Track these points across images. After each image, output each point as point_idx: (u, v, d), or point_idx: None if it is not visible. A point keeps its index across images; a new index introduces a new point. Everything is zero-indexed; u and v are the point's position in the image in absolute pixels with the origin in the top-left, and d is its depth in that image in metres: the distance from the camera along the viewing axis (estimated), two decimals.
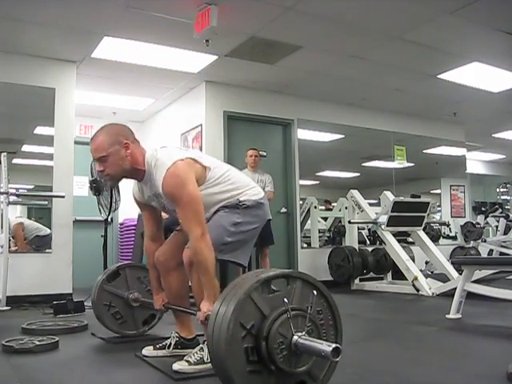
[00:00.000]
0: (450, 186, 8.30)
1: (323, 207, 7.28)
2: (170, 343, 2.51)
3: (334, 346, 1.45)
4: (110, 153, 2.16)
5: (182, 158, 2.17)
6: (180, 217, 2.15)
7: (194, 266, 2.12)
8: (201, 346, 2.29)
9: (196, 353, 2.24)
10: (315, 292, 1.62)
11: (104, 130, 2.22)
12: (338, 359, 1.45)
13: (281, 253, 5.05)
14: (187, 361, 2.20)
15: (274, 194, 5.34)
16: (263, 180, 5.30)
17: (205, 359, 2.18)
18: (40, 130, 5.45)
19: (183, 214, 2.12)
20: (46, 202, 5.04)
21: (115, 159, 2.17)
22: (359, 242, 6.26)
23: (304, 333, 1.54)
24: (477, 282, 3.82)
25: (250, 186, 2.38)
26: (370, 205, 6.06)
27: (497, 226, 7.87)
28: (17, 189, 5.04)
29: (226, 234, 2.23)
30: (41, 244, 5.22)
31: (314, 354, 1.53)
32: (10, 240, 4.66)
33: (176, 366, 2.17)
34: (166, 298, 2.53)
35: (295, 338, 1.53)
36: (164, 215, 5.08)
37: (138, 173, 2.25)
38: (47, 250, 5.03)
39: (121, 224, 7.18)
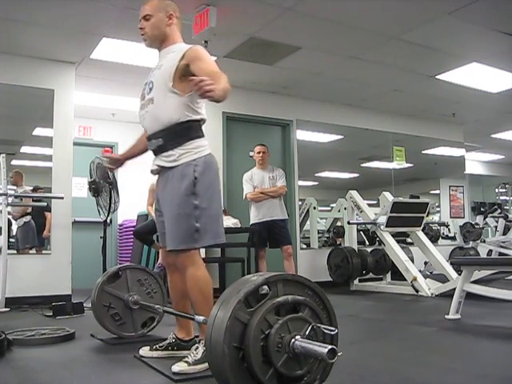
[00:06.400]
0: (449, 186, 8.31)
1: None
2: (166, 344, 2.52)
3: (329, 347, 1.45)
4: (155, 15, 2.42)
5: None
6: (208, 66, 2.25)
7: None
8: (197, 345, 2.29)
9: (193, 353, 2.25)
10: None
11: None
12: (333, 360, 1.46)
13: (280, 254, 5.04)
14: (186, 361, 2.20)
15: (285, 189, 5.16)
16: (274, 176, 5.09)
17: (203, 358, 2.18)
18: (39, 132, 5.45)
19: (213, 67, 2.25)
20: (45, 204, 5.03)
21: (157, 22, 2.42)
22: (358, 243, 6.26)
23: (299, 336, 1.55)
24: (476, 282, 3.82)
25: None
26: (369, 205, 6.06)
27: (496, 227, 7.87)
28: (16, 190, 5.04)
29: (193, 220, 2.24)
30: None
31: (310, 356, 1.54)
32: None
33: (176, 368, 2.17)
34: (171, 296, 2.57)
35: (292, 341, 1.53)
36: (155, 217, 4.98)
37: (167, 43, 2.46)
38: (46, 251, 5.04)
39: (120, 225, 7.17)
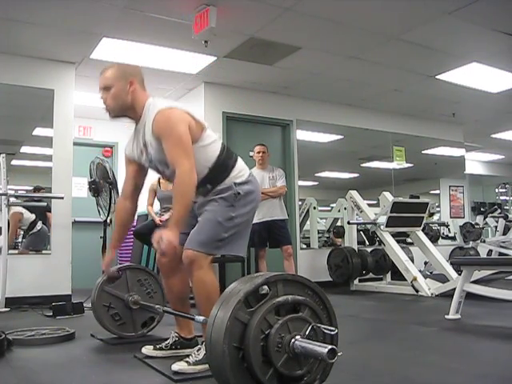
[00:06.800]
0: (449, 186, 8.31)
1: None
2: (169, 343, 2.52)
3: (329, 347, 1.45)
4: (115, 85, 2.28)
5: (179, 108, 2.26)
6: (168, 152, 2.16)
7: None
8: (199, 346, 2.29)
9: (194, 353, 2.24)
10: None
11: (116, 65, 2.38)
12: (333, 360, 1.47)
13: (280, 254, 5.04)
14: (186, 361, 2.20)
15: (285, 189, 5.15)
16: (274, 176, 5.05)
17: (204, 359, 2.18)
18: (39, 132, 5.45)
19: (172, 149, 2.15)
20: (45, 204, 5.02)
21: (118, 92, 2.29)
22: (358, 243, 6.26)
23: (299, 336, 1.55)
24: (476, 282, 3.83)
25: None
26: (369, 205, 6.06)
27: (496, 227, 7.88)
28: (16, 190, 5.03)
29: (222, 230, 2.24)
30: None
31: (310, 356, 1.54)
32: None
33: (175, 367, 2.17)
34: (168, 298, 2.55)
35: (292, 341, 1.54)
36: (163, 218, 4.99)
37: (135, 113, 2.33)
38: (46, 251, 5.03)
39: None
